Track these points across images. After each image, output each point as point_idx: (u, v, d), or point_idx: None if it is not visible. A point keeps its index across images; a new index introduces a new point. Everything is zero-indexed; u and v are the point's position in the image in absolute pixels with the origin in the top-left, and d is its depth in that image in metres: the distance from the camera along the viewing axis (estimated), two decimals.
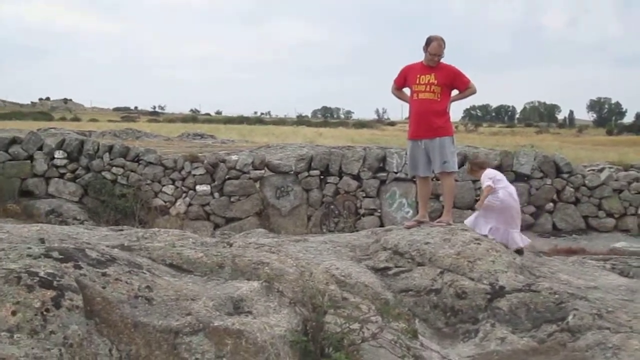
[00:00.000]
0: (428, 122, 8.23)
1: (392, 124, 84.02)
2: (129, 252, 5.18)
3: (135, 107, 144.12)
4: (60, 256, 4.28)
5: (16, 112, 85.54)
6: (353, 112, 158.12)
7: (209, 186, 17.05)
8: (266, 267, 5.20)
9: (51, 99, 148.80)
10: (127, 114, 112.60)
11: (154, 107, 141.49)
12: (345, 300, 5.25)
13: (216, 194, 17.02)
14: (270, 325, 4.26)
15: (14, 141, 18.01)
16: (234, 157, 17.53)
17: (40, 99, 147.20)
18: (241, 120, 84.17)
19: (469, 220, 8.00)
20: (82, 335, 3.71)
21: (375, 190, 16.78)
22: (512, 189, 8.03)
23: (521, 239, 7.78)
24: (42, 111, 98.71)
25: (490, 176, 7.97)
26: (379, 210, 16.62)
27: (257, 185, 17.19)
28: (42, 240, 5.39)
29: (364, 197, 16.88)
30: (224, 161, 17.24)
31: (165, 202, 17.11)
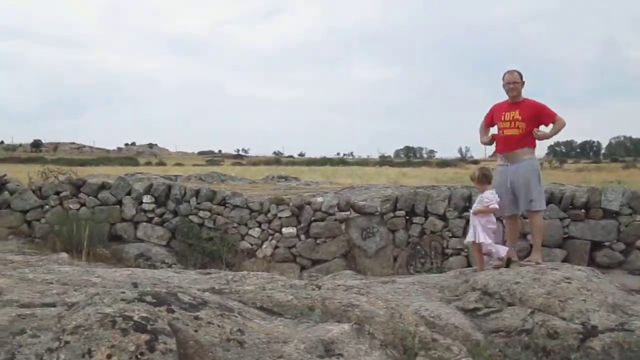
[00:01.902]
0: (513, 157, 8.23)
1: (476, 162, 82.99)
2: (219, 296, 5.28)
3: (219, 151, 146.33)
4: (154, 300, 4.40)
5: (103, 158, 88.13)
6: (436, 151, 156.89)
7: (295, 228, 17.14)
8: (356, 309, 5.22)
9: (137, 144, 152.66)
10: (212, 157, 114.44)
11: (238, 150, 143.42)
12: (435, 341, 5.21)
13: (302, 236, 17.08)
14: None
15: (103, 187, 18.56)
16: (319, 199, 17.61)
17: (126, 144, 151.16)
18: (324, 161, 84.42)
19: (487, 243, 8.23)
20: None
21: (462, 230, 16.55)
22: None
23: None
24: (128, 156, 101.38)
25: (492, 199, 8.22)
26: (466, 250, 16.40)
27: (343, 226, 17.19)
28: (135, 285, 5.55)
29: (450, 237, 16.68)
30: (309, 203, 17.33)
31: (251, 244, 17.27)
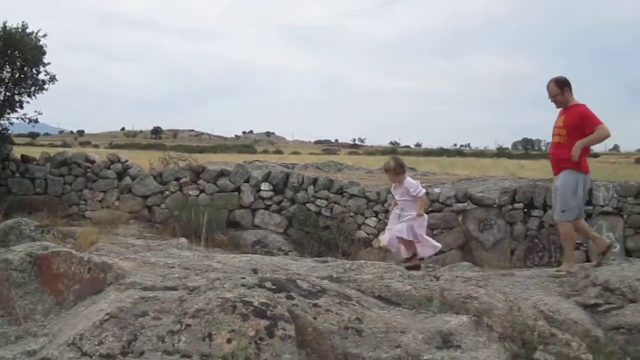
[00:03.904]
0: (556, 167, 7.94)
1: (596, 155, 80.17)
2: (338, 284, 5.30)
3: (336, 140, 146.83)
4: (273, 286, 4.47)
5: (221, 145, 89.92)
6: None
7: None
8: (475, 301, 5.16)
9: (254, 132, 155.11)
10: (328, 146, 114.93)
11: (354, 140, 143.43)
12: (554, 336, 5.08)
13: None
14: None
15: (222, 174, 18.96)
16: (437, 190, 17.44)
17: (244, 132, 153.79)
18: (441, 152, 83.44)
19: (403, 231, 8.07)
20: None
21: None
22: None
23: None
24: (245, 144, 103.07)
25: (417, 184, 8.13)
26: (585, 245, 15.89)
27: (460, 218, 16.98)
28: (255, 271, 5.63)
29: None
30: (427, 193, 17.18)
31: (368, 234, 17.28)
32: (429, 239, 8.33)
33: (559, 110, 8.07)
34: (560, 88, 7.86)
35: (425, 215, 8.29)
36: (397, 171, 8.17)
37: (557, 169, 7.94)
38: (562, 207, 7.81)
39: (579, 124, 7.69)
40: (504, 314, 5.05)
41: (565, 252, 8.12)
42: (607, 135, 7.74)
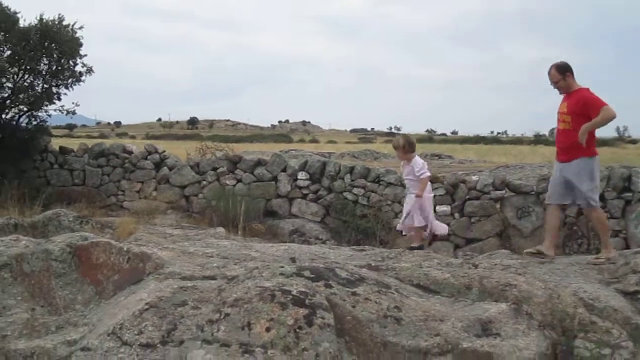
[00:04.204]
0: (562, 154, 7.81)
1: (634, 141, 78.98)
2: (376, 272, 5.29)
3: (372, 129, 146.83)
4: (312, 275, 4.47)
5: (257, 135, 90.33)
6: None
7: (449, 207, 16.94)
8: (514, 289, 5.13)
9: (290, 121, 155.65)
10: (364, 135, 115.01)
11: (390, 128, 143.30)
12: (594, 324, 5.03)
13: (456, 215, 16.87)
14: (519, 348, 4.20)
15: (258, 163, 19.01)
16: (474, 178, 17.31)
17: (280, 122, 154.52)
18: (477, 139, 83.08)
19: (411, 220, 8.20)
20: (333, 353, 3.84)
21: (620, 211, 15.82)
22: None
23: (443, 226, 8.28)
24: (281, 133, 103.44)
25: (424, 165, 8.12)
26: (624, 232, 15.67)
27: (498, 205, 16.86)
28: (293, 259, 5.64)
29: (608, 217, 15.98)
30: (464, 181, 17.07)
31: None
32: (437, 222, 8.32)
33: (562, 96, 7.95)
34: (561, 74, 7.72)
35: (430, 196, 8.26)
36: (406, 149, 8.17)
37: (563, 156, 7.81)
38: (584, 195, 7.69)
39: (583, 108, 7.55)
40: (544, 302, 5.01)
41: (602, 239, 8.00)
42: (613, 116, 7.53)
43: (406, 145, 8.16)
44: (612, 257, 7.49)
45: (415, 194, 8.03)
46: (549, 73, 7.78)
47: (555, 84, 7.80)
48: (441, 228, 8.17)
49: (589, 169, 7.65)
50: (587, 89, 7.70)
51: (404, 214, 8.29)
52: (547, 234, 8.12)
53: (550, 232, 8.10)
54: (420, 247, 7.96)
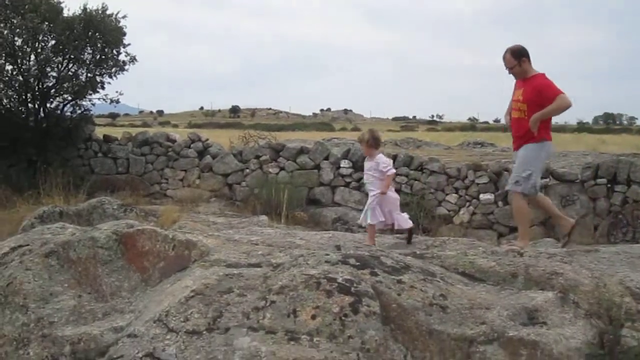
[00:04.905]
0: (517, 143, 7.59)
1: None
2: (421, 260, 5.28)
3: (414, 117, 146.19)
4: (357, 263, 4.47)
5: (299, 123, 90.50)
6: (637, 118, 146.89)
7: (492, 195, 16.86)
8: (560, 278, 5.08)
9: (332, 109, 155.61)
10: (406, 123, 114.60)
11: (432, 116, 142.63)
12: None
13: (500, 203, 16.79)
14: (565, 336, 4.16)
15: (301, 151, 19.07)
16: None
17: (322, 110, 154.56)
18: None
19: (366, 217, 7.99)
20: (379, 340, 3.84)
21: None
22: None
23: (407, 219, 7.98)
24: (323, 122, 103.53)
25: (389, 162, 7.92)
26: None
27: (542, 194, 16.71)
28: (338, 247, 5.65)
29: None
30: (507, 169, 16.95)
31: (448, 210, 17.15)
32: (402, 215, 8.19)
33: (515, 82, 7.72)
34: (517, 59, 7.44)
35: (395, 194, 8.15)
36: (370, 144, 8.06)
37: (517, 145, 7.61)
38: (515, 177, 7.52)
39: (538, 96, 7.27)
40: (590, 291, 4.96)
41: (519, 228, 7.84)
42: (568, 105, 7.25)
43: (370, 140, 8.07)
44: (524, 249, 7.35)
45: (376, 191, 7.94)
46: (504, 58, 7.52)
47: (510, 69, 7.54)
48: (405, 222, 8.03)
49: (531, 154, 7.45)
50: (543, 75, 7.45)
51: (364, 210, 8.20)
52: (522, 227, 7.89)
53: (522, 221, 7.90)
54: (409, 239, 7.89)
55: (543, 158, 7.61)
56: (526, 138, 7.39)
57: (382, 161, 7.91)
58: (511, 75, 7.63)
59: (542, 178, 16.31)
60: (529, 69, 7.48)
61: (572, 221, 7.98)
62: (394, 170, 8.05)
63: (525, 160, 7.45)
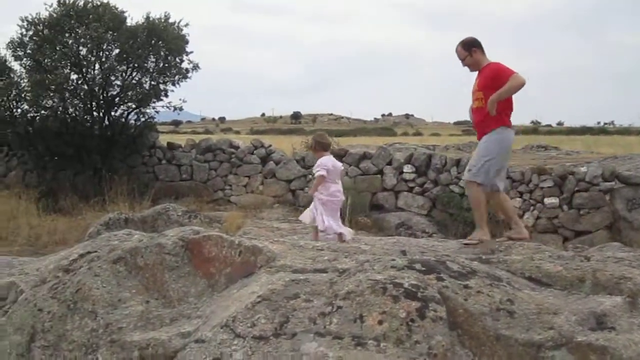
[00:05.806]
0: (481, 133, 7.50)
1: None
2: (487, 265, 5.24)
3: None
4: (423, 268, 4.47)
5: (360, 128, 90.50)
6: None
7: (557, 199, 16.68)
8: (629, 282, 4.99)
9: (393, 114, 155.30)
10: (468, 127, 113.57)
11: None
12: None
13: (565, 207, 16.59)
14: (634, 342, 4.09)
15: (364, 156, 19.12)
16: (583, 169, 16.96)
17: (383, 115, 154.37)
18: (584, 130, 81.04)
19: (305, 216, 8.20)
20: (446, 346, 3.83)
21: None
22: (340, 185, 8.32)
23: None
24: (384, 127, 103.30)
25: (324, 165, 7.92)
26: None
27: (607, 197, 16.48)
28: (404, 252, 5.65)
29: None
30: (572, 173, 16.75)
31: None
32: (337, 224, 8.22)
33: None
34: (467, 50, 7.42)
35: (327, 199, 8.08)
36: (316, 149, 8.28)
37: (479, 135, 7.56)
38: (470, 166, 7.49)
39: (493, 81, 7.16)
40: None
41: (475, 219, 7.89)
42: (522, 83, 7.09)
43: (313, 144, 8.30)
44: (485, 240, 7.20)
45: (318, 195, 8.02)
46: (456, 51, 7.49)
47: (462, 61, 7.50)
48: (331, 228, 8.06)
49: (491, 144, 7.38)
50: (497, 62, 7.37)
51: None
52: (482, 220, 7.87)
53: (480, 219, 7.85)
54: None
55: (504, 147, 7.50)
56: (486, 123, 7.36)
57: (317, 163, 8.06)
58: (466, 68, 7.62)
59: (608, 182, 16.13)
60: (481, 58, 7.48)
61: (526, 234, 7.91)
62: (321, 173, 8.10)
63: (483, 150, 7.45)
